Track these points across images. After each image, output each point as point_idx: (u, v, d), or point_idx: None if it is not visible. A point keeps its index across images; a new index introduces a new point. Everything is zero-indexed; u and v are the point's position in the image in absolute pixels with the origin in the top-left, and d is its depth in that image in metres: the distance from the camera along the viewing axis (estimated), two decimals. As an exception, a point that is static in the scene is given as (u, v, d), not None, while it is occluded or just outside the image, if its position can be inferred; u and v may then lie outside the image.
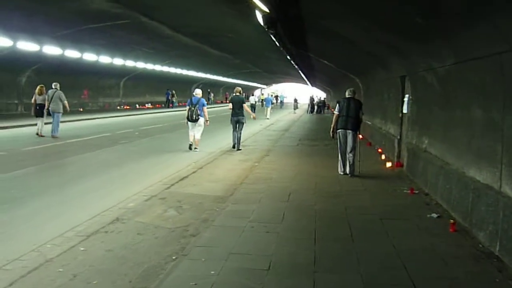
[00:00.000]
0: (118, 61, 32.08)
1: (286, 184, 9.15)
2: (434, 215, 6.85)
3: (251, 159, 12.73)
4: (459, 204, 6.62)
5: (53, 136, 16.25)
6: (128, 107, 41.60)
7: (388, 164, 11.54)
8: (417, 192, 8.48)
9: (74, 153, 13.00)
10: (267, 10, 11.10)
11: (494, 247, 5.28)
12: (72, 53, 26.51)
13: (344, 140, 10.18)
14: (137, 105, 43.99)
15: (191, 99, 14.18)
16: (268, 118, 33.71)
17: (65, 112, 17.30)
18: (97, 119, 26.07)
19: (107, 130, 20.00)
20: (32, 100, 17.03)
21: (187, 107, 14.06)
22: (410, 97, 10.60)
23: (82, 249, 5.36)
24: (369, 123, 18.16)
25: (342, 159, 10.36)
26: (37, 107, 16.63)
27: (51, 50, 24.52)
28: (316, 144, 16.76)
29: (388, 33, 8.85)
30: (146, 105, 45.93)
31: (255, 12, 11.65)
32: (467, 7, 5.16)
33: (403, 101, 11.56)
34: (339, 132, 10.28)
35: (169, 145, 15.77)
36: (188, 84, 57.23)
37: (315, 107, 46.35)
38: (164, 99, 50.30)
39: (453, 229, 6.12)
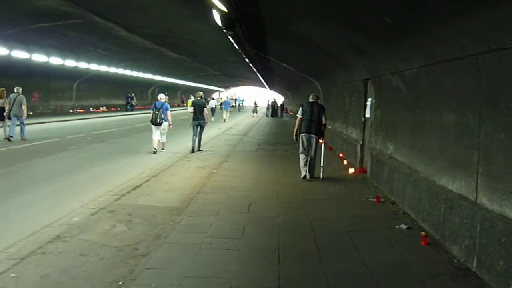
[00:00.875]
0: (70, 63, 30.74)
1: (246, 193, 8.60)
2: (404, 226, 6.46)
3: (209, 165, 12.14)
4: (429, 215, 6.25)
5: (22, 139, 16.37)
6: (81, 110, 40.09)
7: (351, 170, 11.18)
8: (383, 200, 8.11)
9: (15, 161, 11.99)
10: (225, 9, 10.60)
11: (471, 262, 4.89)
12: (20, 54, 25.13)
13: (307, 144, 10.15)
14: (91, 109, 42.51)
15: (155, 104, 14.60)
16: (226, 121, 33.88)
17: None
18: (46, 123, 24.77)
19: (56, 135, 18.91)
20: None
21: (152, 111, 14.44)
22: (374, 101, 10.27)
23: (12, 275, 4.64)
24: (330, 127, 17.84)
25: (304, 163, 10.28)
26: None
27: (-3, 50, 23.19)
28: (276, 148, 16.31)
29: (353, 33, 8.46)
30: (101, 108, 44.49)
31: (213, 13, 11.14)
32: (445, 1, 4.73)
33: (365, 105, 11.25)
34: (302, 136, 10.23)
35: (122, 151, 14.92)
36: (145, 87, 56.03)
37: (273, 110, 45.94)
38: (120, 102, 49.11)
39: (424, 241, 5.73)
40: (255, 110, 49.25)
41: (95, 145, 16.33)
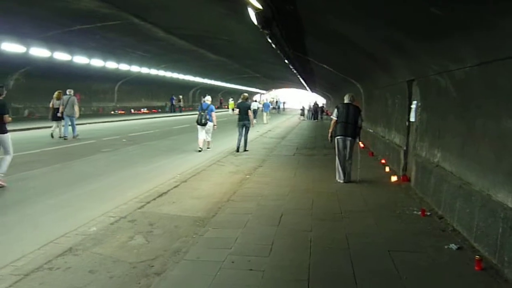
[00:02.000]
0: (111, 65, 31.05)
1: (279, 202, 7.99)
2: (454, 247, 5.69)
3: (243, 170, 11.59)
4: (484, 234, 5.46)
5: (74, 137, 17.92)
6: (122, 112, 40.52)
7: (394, 178, 10.38)
8: (429, 214, 7.32)
9: (45, 163, 11.76)
10: (260, 7, 10.03)
11: (536, 295, 4.13)
12: (61, 56, 25.51)
13: (343, 147, 10.04)
14: (132, 110, 42.91)
15: (201, 105, 15.62)
16: (266, 123, 33.78)
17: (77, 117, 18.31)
18: (86, 124, 24.83)
19: (93, 137, 18.86)
20: (50, 105, 18.36)
21: (198, 112, 15.48)
22: (419, 103, 9.47)
23: (11, 294, 4.22)
24: (371, 131, 17.04)
25: (341, 166, 10.13)
26: (55, 111, 17.96)
27: (39, 52, 23.48)
28: (314, 153, 15.60)
29: (394, 31, 7.69)
30: (142, 110, 44.88)
31: (248, 11, 10.63)
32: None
33: (410, 108, 10.44)
34: (337, 138, 10.13)
35: (156, 154, 14.59)
36: (186, 89, 56.26)
37: (314, 112, 45.13)
38: (161, 103, 49.63)
39: (479, 267, 4.97)
40: (303, 113, 48.73)
41: (130, 147, 16.08)
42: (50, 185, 9.41)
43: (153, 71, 37.16)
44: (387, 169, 11.87)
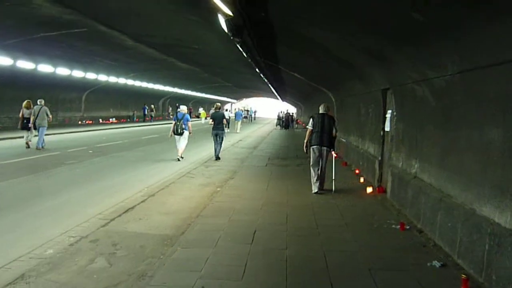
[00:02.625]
0: (77, 73, 30.14)
1: (252, 217, 7.59)
2: (437, 264, 5.39)
3: (214, 182, 11.17)
4: (468, 251, 5.18)
5: (37, 148, 17.32)
6: (90, 122, 39.50)
7: (369, 189, 10.11)
8: (408, 227, 7.04)
9: (2, 177, 10.97)
10: (231, 13, 9.71)
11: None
12: (24, 64, 24.55)
13: (319, 156, 9.98)
14: (100, 120, 41.90)
15: (176, 115, 15.82)
16: (238, 132, 33.94)
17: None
18: (52, 135, 23.88)
19: (58, 148, 18.10)
20: (20, 114, 18.07)
21: (173, 122, 15.62)
22: (394, 113, 9.25)
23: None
24: (344, 140, 16.85)
25: (315, 174, 10.05)
26: (24, 121, 17.73)
27: (0, 60, 22.53)
28: (287, 164, 15.28)
29: (371, 36, 7.46)
30: (110, 119, 43.90)
31: (218, 18, 10.30)
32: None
33: (384, 118, 10.23)
34: (313, 148, 10.07)
35: (123, 165, 14.02)
36: (155, 98, 55.48)
37: (286, 122, 44.87)
38: (130, 113, 48.82)
39: (466, 286, 4.66)
40: (279, 122, 47.98)
41: (96, 159, 15.44)
42: (5, 201, 8.75)
43: (122, 80, 36.38)
44: (361, 179, 11.63)
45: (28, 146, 17.47)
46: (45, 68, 26.54)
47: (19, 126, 18.36)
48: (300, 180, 11.58)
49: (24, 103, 18.18)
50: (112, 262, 5.42)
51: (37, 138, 17.64)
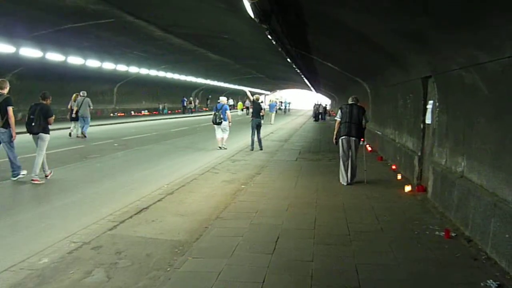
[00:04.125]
0: (108, 65, 29.92)
1: (276, 221, 6.82)
2: (493, 284, 4.49)
3: (239, 179, 10.45)
4: (533, 270, 4.28)
5: (84, 136, 19.28)
6: (122, 114, 39.44)
7: (407, 188, 9.18)
8: (454, 235, 6.13)
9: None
10: (255, -4, 8.97)
11: None
12: (54, 56, 24.33)
13: (347, 147, 9.90)
14: (132, 112, 41.84)
15: (216, 106, 16.48)
16: (272, 124, 34.10)
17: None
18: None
19: (84, 141, 17.77)
20: (69, 106, 20.01)
21: (213, 112, 16.44)
22: (437, 103, 8.28)
23: None
24: (379, 133, 15.86)
25: (344, 167, 9.96)
26: (72, 112, 19.54)
27: (30, 52, 22.35)
28: (319, 158, 14.41)
29: (410, 18, 6.52)
30: (143, 112, 43.81)
31: (244, 4, 9.57)
32: None
33: (425, 109, 9.27)
34: (342, 139, 9.97)
35: (146, 160, 13.46)
36: (188, 90, 55.14)
37: (315, 114, 43.45)
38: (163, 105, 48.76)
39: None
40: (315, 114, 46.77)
41: (120, 153, 14.95)
42: (15, 201, 8.27)
43: (153, 72, 36.07)
44: (399, 176, 10.68)
45: (71, 135, 19.36)
46: (75, 60, 26.33)
47: (68, 117, 19.99)
48: (331, 176, 10.74)
49: (73, 96, 19.88)
50: (111, 275, 4.74)
51: (84, 127, 19.46)
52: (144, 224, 6.64)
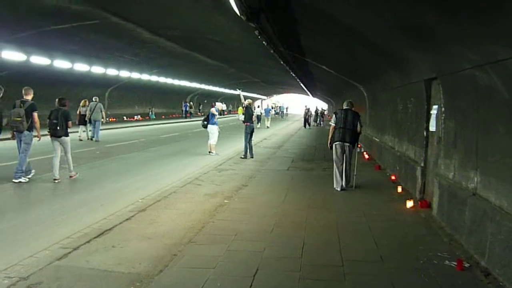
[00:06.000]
0: (97, 70, 28.89)
1: (257, 246, 5.81)
2: None
3: (223, 192, 9.44)
4: None
5: (96, 140, 20.06)
6: (113, 119, 38.39)
7: (409, 203, 8.18)
8: (468, 266, 5.14)
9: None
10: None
11: None
12: (40, 60, 23.28)
13: (341, 152, 9.81)
14: (124, 117, 40.78)
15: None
16: (268, 127, 35.23)
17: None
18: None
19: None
20: (77, 112, 20.86)
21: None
22: (443, 108, 7.30)
23: None
24: (377, 140, 14.90)
25: (338, 172, 9.82)
26: (82, 117, 20.57)
27: (13, 55, 21.34)
28: (312, 167, 13.39)
29: (413, 8, 5.54)
30: (135, 117, 42.76)
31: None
32: None
33: (429, 114, 8.31)
34: (336, 144, 9.89)
35: (125, 170, 12.45)
36: (182, 95, 54.17)
37: (305, 119, 41.04)
38: (157, 110, 47.56)
39: None
40: (316, 118, 46.04)
41: (99, 161, 13.93)
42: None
43: (145, 76, 35.10)
44: (399, 188, 9.69)
45: (81, 139, 20.13)
46: (62, 64, 25.31)
47: (76, 122, 20.17)
48: (324, 188, 9.80)
49: (82, 102, 21.25)
50: (40, 327, 3.74)
51: (95, 131, 20.30)
52: (102, 252, 5.62)
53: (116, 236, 6.28)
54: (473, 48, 5.16)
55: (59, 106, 10.96)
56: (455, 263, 5.17)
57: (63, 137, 10.78)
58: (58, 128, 10.62)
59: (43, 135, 11.11)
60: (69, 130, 10.94)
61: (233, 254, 5.51)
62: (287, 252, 5.63)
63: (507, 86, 4.73)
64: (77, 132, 19.97)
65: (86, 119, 20.34)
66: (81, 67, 27.06)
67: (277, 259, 5.37)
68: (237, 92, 20.66)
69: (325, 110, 50.92)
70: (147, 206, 7.98)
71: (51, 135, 10.79)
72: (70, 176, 10.86)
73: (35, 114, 10.39)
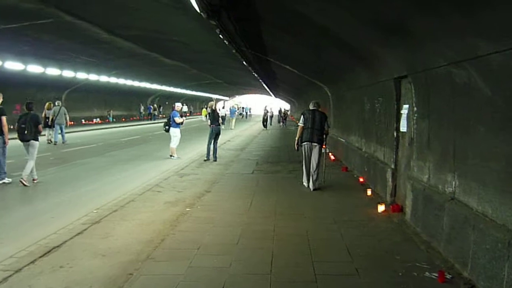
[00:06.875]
0: (53, 71, 27.74)
1: (221, 262, 5.29)
2: None
3: (184, 199, 8.89)
4: None
5: (62, 143, 20.30)
6: (71, 123, 36.98)
7: (381, 208, 7.83)
8: (450, 277, 4.77)
9: None
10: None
11: None
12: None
13: (309, 153, 9.87)
14: (83, 121, 39.42)
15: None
16: (232, 129, 34.73)
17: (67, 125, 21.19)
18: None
19: (16, 155, 15.72)
20: (42, 114, 19.74)
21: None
22: (414, 108, 6.98)
23: None
24: (343, 140, 14.61)
25: (306, 172, 9.99)
26: (46, 120, 20.07)
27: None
28: (278, 170, 12.95)
29: (393, 1, 5.16)
30: (94, 120, 41.42)
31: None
32: None
33: (399, 114, 7.99)
34: (304, 145, 9.95)
35: (81, 177, 11.70)
36: (143, 96, 53.08)
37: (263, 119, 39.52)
38: (116, 113, 46.24)
39: None
40: (282, 119, 44.56)
41: (52, 168, 13.11)
42: None
43: (104, 78, 34.05)
44: (368, 191, 9.36)
45: (49, 142, 20.28)
46: (13, 65, 24.13)
47: (42, 125, 19.57)
48: (292, 192, 9.41)
49: (46, 104, 20.82)
50: None
51: (54, 134, 20.30)
52: (47, 273, 4.99)
53: (65, 254, 5.65)
54: (452, 43, 4.80)
55: (27, 110, 10.95)
56: (436, 275, 4.79)
57: (31, 141, 10.70)
58: (26, 132, 10.59)
59: (11, 139, 11.04)
60: (39, 134, 10.96)
61: (196, 272, 4.98)
62: (255, 267, 5.14)
63: (487, 82, 4.39)
64: (45, 135, 19.57)
65: (49, 123, 20.14)
66: (34, 68, 25.91)
67: (244, 275, 4.87)
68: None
69: (288, 111, 50.65)
70: (102, 218, 7.35)
71: (20, 140, 10.78)
72: (21, 181, 10.33)
73: (4, 118, 10.43)
